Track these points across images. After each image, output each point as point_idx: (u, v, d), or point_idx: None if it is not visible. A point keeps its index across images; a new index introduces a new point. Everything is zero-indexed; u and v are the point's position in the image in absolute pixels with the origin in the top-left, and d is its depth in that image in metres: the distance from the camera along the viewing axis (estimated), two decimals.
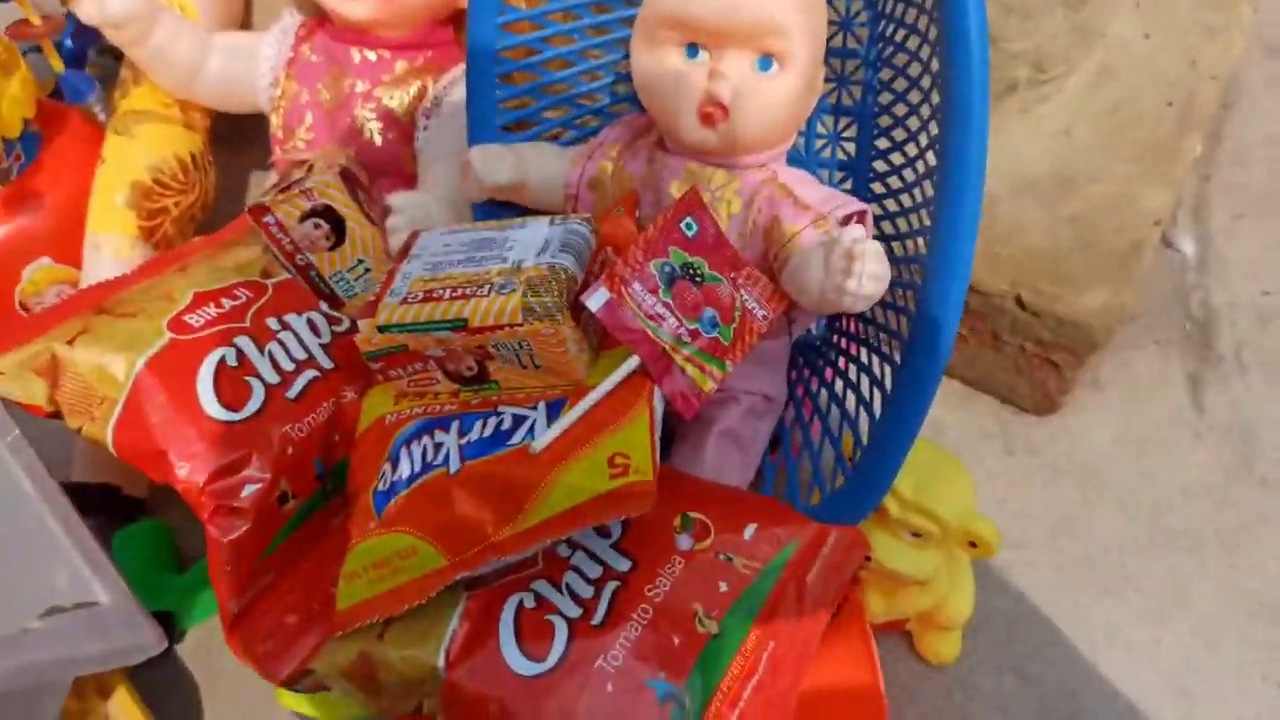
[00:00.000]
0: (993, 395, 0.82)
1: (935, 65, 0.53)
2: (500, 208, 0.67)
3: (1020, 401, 0.80)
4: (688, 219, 0.56)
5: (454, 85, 0.74)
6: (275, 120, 0.76)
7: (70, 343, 0.53)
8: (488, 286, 0.53)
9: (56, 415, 0.54)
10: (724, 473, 0.62)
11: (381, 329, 0.53)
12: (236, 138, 0.93)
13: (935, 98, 0.53)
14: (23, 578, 0.50)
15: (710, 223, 0.56)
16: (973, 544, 0.63)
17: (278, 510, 0.54)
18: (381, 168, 0.74)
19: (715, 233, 0.56)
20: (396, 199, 0.66)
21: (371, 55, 0.74)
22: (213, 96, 0.77)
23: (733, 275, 0.56)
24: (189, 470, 0.52)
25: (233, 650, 0.53)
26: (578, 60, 0.69)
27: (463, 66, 0.75)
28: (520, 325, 0.51)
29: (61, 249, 0.77)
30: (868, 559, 0.62)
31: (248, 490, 0.52)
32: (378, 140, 0.74)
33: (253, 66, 0.75)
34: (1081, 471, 0.79)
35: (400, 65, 0.73)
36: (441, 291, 0.53)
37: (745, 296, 0.57)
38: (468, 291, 0.53)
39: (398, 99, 0.74)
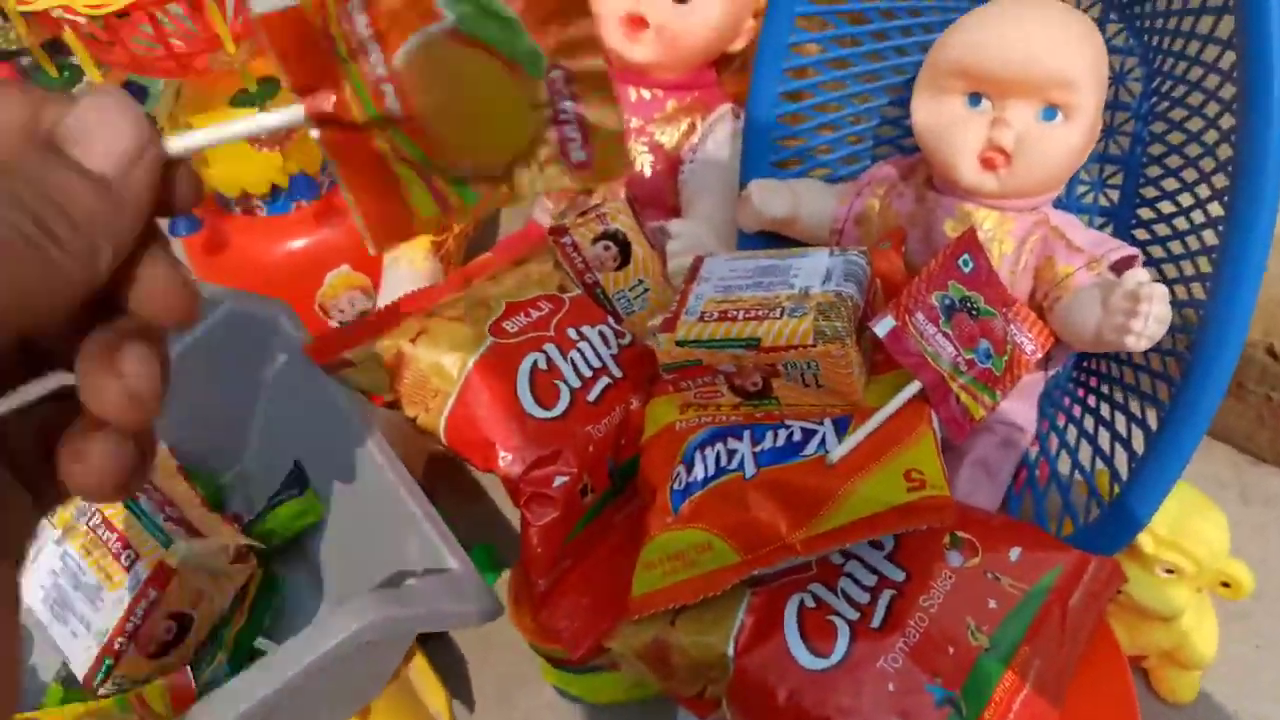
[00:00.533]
0: (1230, 444, 0.82)
1: (1226, 122, 0.55)
2: (765, 239, 0.73)
3: (1259, 451, 0.80)
4: (965, 256, 0.59)
5: (719, 123, 0.80)
6: None
7: (413, 341, 0.60)
8: (779, 309, 0.58)
9: (393, 405, 0.62)
10: (974, 499, 0.65)
11: (680, 343, 0.59)
12: None
13: (1222, 152, 0.56)
14: (380, 546, 0.57)
15: (985, 261, 0.59)
16: (1225, 584, 0.65)
17: (580, 501, 0.60)
18: (648, 199, 0.80)
19: (989, 270, 0.60)
20: (676, 226, 0.72)
21: (646, 94, 0.80)
22: None
23: (1005, 311, 0.60)
24: (511, 460, 0.58)
25: (538, 625, 0.58)
26: (848, 104, 0.74)
27: (727, 106, 0.81)
28: (812, 346, 0.56)
29: (358, 259, 0.86)
30: (1119, 591, 0.64)
31: (558, 481, 0.58)
32: (647, 172, 0.80)
33: None
34: None
35: (671, 104, 0.80)
36: (735, 312, 0.59)
37: (1015, 331, 0.60)
38: (760, 314, 0.58)
39: (668, 135, 0.80)
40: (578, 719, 0.72)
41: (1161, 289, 0.52)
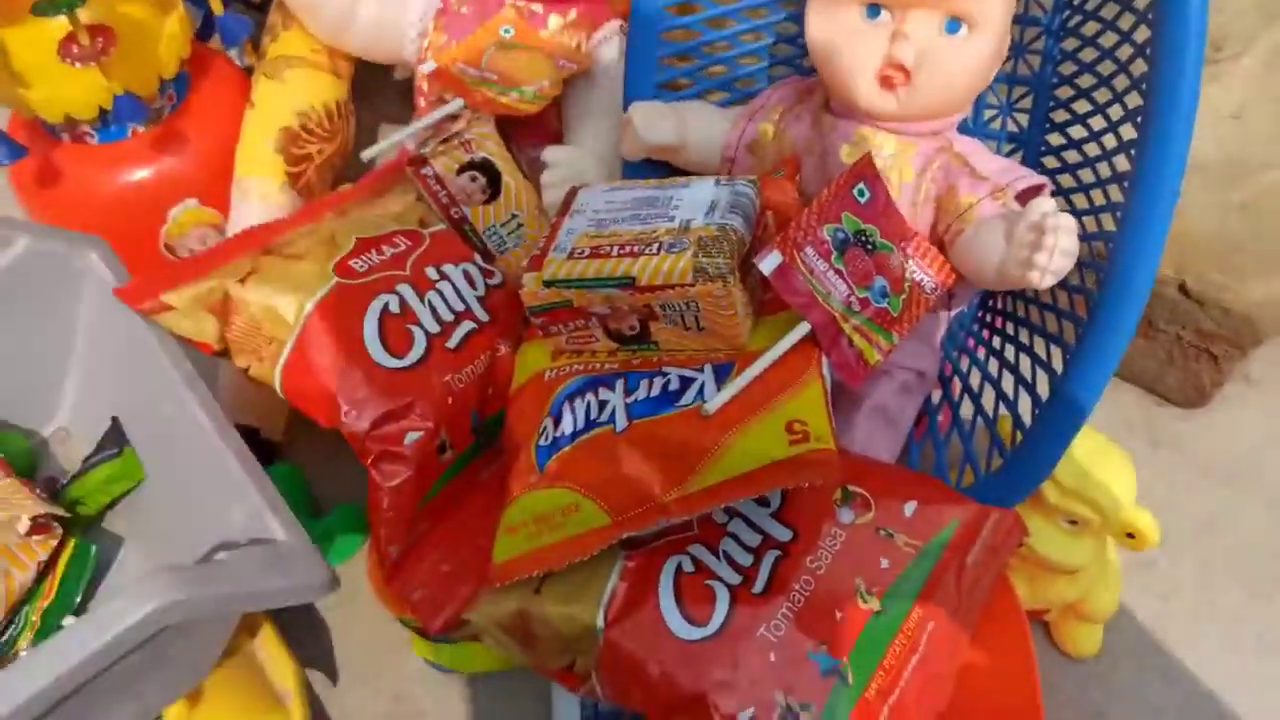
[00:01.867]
0: (1138, 386, 0.79)
1: (1141, 34, 0.51)
2: (652, 167, 0.67)
3: (1168, 393, 0.78)
4: (860, 185, 0.54)
5: (605, 42, 0.73)
6: (420, 71, 0.76)
7: (242, 281, 0.53)
8: (657, 244, 0.52)
9: (223, 354, 0.55)
10: (874, 448, 0.62)
11: (548, 283, 0.53)
12: (366, 91, 0.93)
13: (1137, 67, 0.51)
14: (202, 512, 0.51)
15: (882, 190, 0.55)
16: (1130, 536, 0.62)
17: (437, 459, 0.54)
18: (526, 123, 0.74)
19: (887, 200, 0.55)
20: (552, 153, 0.66)
21: (528, 9, 0.73)
22: (362, 45, 0.77)
23: (903, 245, 0.55)
24: (355, 415, 0.52)
25: (391, 595, 0.53)
26: (740, 19, 0.68)
27: (614, 24, 0.75)
28: (691, 285, 0.51)
29: (207, 191, 0.78)
30: (1020, 544, 0.61)
31: (410, 438, 0.53)
32: None
33: (402, 16, 0.75)
34: (1230, 469, 0.76)
35: (553, 19, 0.73)
36: (609, 248, 0.53)
37: (914, 268, 0.55)
38: (636, 250, 0.52)
39: None
40: (449, 691, 0.67)
41: (1068, 219, 0.48)
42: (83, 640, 0.38)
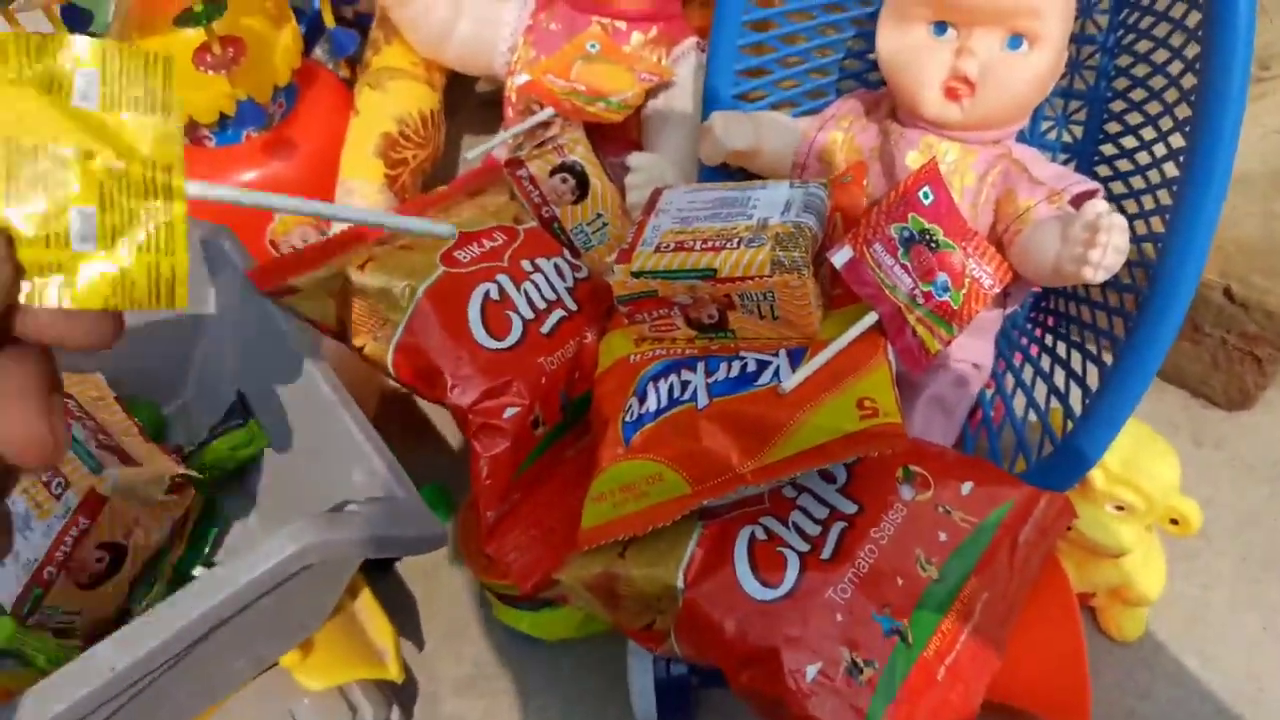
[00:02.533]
0: (1183, 388, 0.82)
1: (1190, 50, 0.54)
2: (727, 173, 0.71)
3: (1212, 395, 0.80)
4: (925, 188, 0.58)
5: (683, 57, 0.78)
6: (510, 83, 0.81)
7: (361, 267, 0.58)
8: (737, 240, 0.56)
9: (339, 335, 0.60)
10: (929, 435, 0.65)
11: (636, 274, 0.57)
12: (450, 101, 0.99)
13: (1187, 82, 0.55)
14: (324, 475, 0.55)
15: (945, 193, 0.58)
16: (1174, 522, 0.65)
17: (531, 434, 0.58)
18: (611, 133, 0.78)
19: (949, 203, 0.58)
20: (635, 158, 0.70)
21: (611, 26, 0.78)
22: (458, 58, 0.83)
23: (964, 244, 0.58)
24: (460, 391, 0.56)
25: (488, 557, 0.57)
26: (812, 36, 0.72)
27: (691, 40, 0.79)
28: (769, 277, 0.54)
29: (310, 193, 0.82)
30: (1069, 527, 0.64)
31: (509, 412, 0.57)
32: None
33: (495, 32, 0.80)
34: (1271, 469, 0.78)
35: (635, 36, 0.77)
36: (692, 243, 0.57)
37: (974, 265, 0.59)
38: (717, 244, 0.56)
39: None
40: (527, 658, 0.71)
41: (1120, 219, 0.51)
42: (235, 576, 0.42)
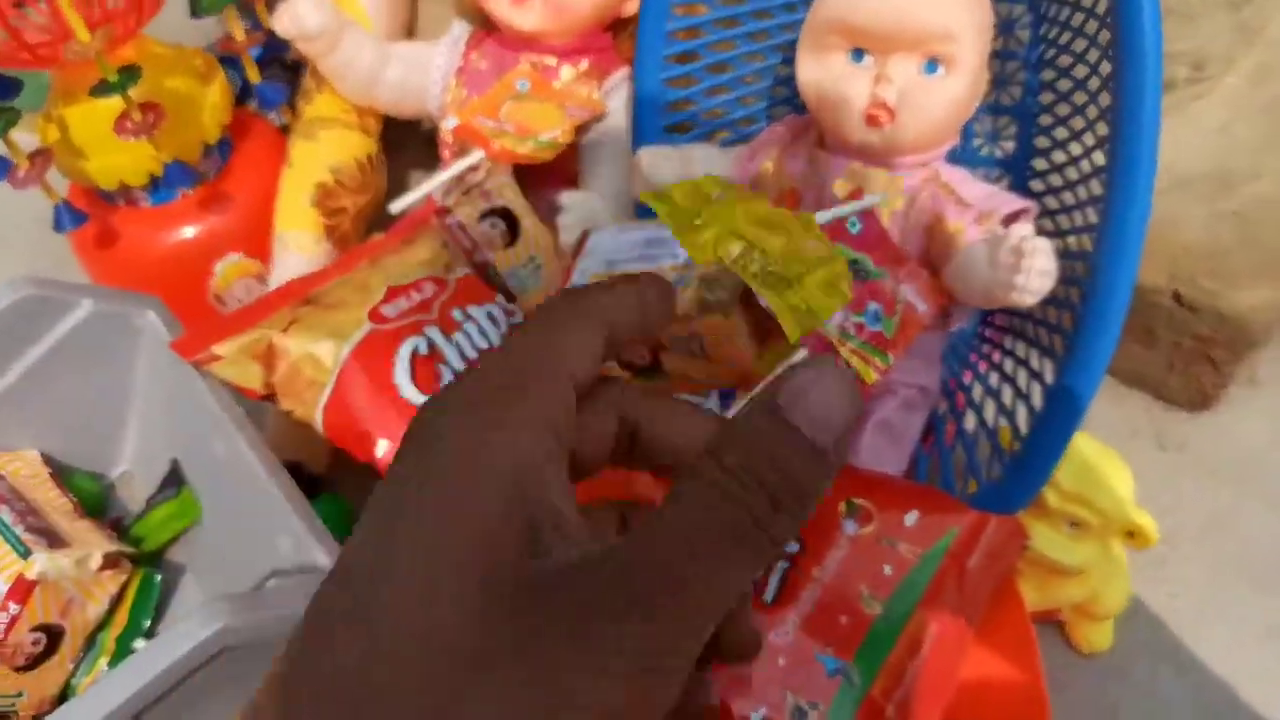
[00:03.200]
0: (1144, 391, 0.81)
1: (1105, 68, 0.54)
2: None
3: (1173, 398, 0.80)
4: (852, 218, 0.58)
5: (615, 90, 0.77)
6: (443, 126, 0.81)
7: (285, 330, 0.58)
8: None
9: (269, 398, 0.59)
10: (879, 462, 0.64)
11: None
12: (395, 142, 0.98)
13: (1104, 100, 0.54)
14: (253, 543, 0.55)
15: (874, 222, 0.58)
16: (1130, 535, 0.64)
17: None
18: (548, 167, 0.78)
19: (879, 231, 0.58)
20: (566, 198, 0.70)
21: (538, 62, 0.78)
22: (389, 103, 0.82)
23: (895, 270, 0.58)
24: (389, 449, 0.56)
25: None
26: (738, 64, 0.71)
27: (624, 71, 0.79)
28: (696, 319, 0.54)
29: (250, 244, 0.83)
30: (1025, 548, 0.63)
31: None
32: None
33: (425, 75, 0.80)
34: (1236, 469, 0.78)
35: (566, 71, 0.77)
36: None
37: (907, 291, 0.58)
38: None
39: None
40: None
41: (1044, 243, 0.51)
42: (151, 661, 0.42)
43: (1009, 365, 0.66)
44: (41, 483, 0.60)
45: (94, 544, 0.57)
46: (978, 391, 0.68)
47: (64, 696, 0.59)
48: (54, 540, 0.55)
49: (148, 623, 0.61)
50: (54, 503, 0.58)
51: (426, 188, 0.69)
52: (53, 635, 0.55)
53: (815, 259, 0.50)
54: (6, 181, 0.71)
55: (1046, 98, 0.63)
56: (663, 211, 0.48)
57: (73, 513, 0.59)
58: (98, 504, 0.65)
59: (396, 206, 0.69)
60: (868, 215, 0.57)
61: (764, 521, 0.22)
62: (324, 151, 0.82)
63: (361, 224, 0.86)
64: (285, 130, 0.88)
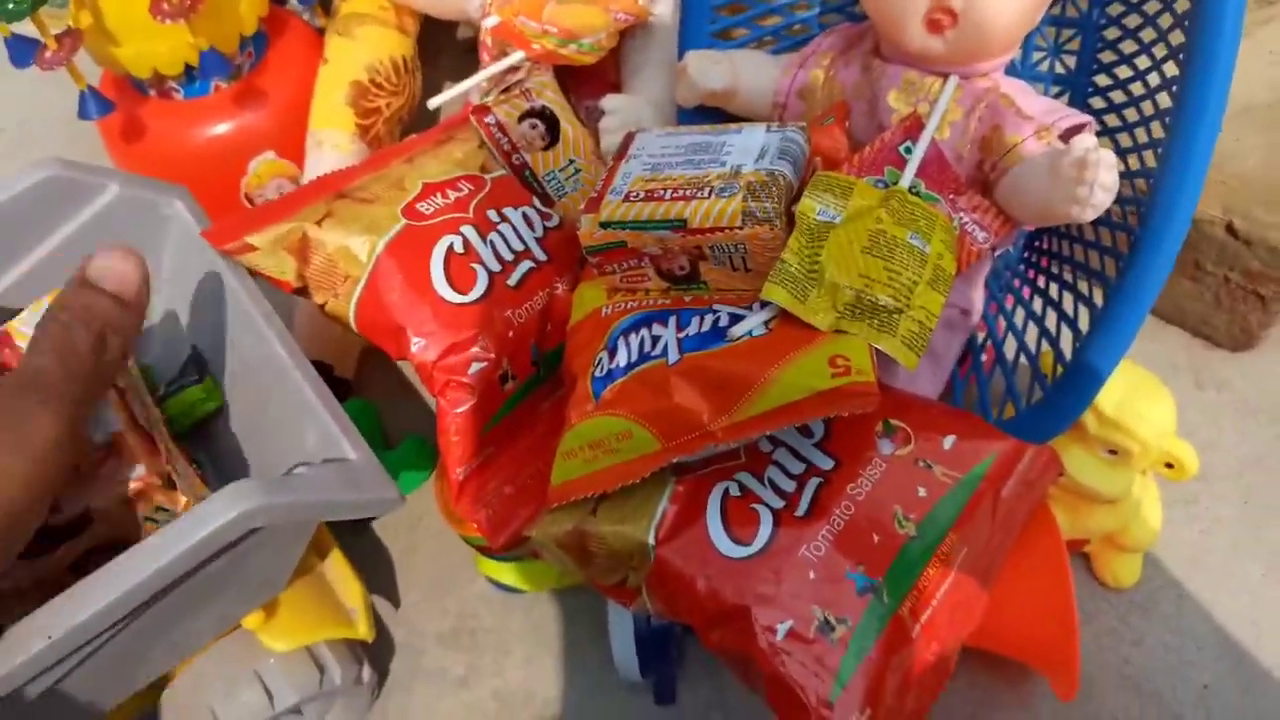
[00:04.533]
0: (1184, 328, 0.78)
1: None
2: (706, 115, 0.67)
3: (1214, 336, 0.77)
4: (907, 143, 0.55)
5: None
6: (484, 26, 0.77)
7: (319, 223, 0.55)
8: (708, 189, 0.53)
9: (301, 291, 0.58)
10: (916, 383, 0.62)
11: (604, 225, 0.54)
12: (431, 48, 0.95)
13: (1181, 4, 0.51)
14: (278, 436, 0.54)
15: (934, 147, 0.55)
16: (1169, 466, 0.62)
17: (499, 389, 0.56)
18: (589, 74, 0.74)
19: (935, 155, 0.55)
20: (610, 101, 0.67)
21: None
22: (429, 2, 0.79)
23: (953, 197, 0.55)
24: (423, 346, 0.54)
25: (459, 513, 0.55)
26: None
27: None
28: (740, 229, 0.51)
29: (283, 144, 0.80)
30: (1060, 477, 0.61)
31: (474, 368, 0.55)
32: None
33: None
34: (1276, 410, 0.75)
35: None
36: (662, 192, 0.54)
37: (965, 218, 0.55)
38: (688, 193, 0.53)
39: None
40: (509, 610, 0.70)
41: (1109, 155, 0.48)
42: (175, 539, 0.41)
43: (1054, 289, 0.64)
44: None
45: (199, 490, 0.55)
46: (1020, 316, 0.65)
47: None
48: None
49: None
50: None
51: (465, 85, 0.67)
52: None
53: (919, 259, 0.49)
54: (34, 63, 0.68)
55: (1115, 8, 0.59)
56: (781, 298, 0.47)
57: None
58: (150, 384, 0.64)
59: (435, 102, 0.66)
60: (921, 140, 0.55)
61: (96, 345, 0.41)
62: (360, 49, 0.79)
63: (395, 127, 0.84)
64: (320, 33, 0.85)
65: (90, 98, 0.72)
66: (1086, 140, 0.49)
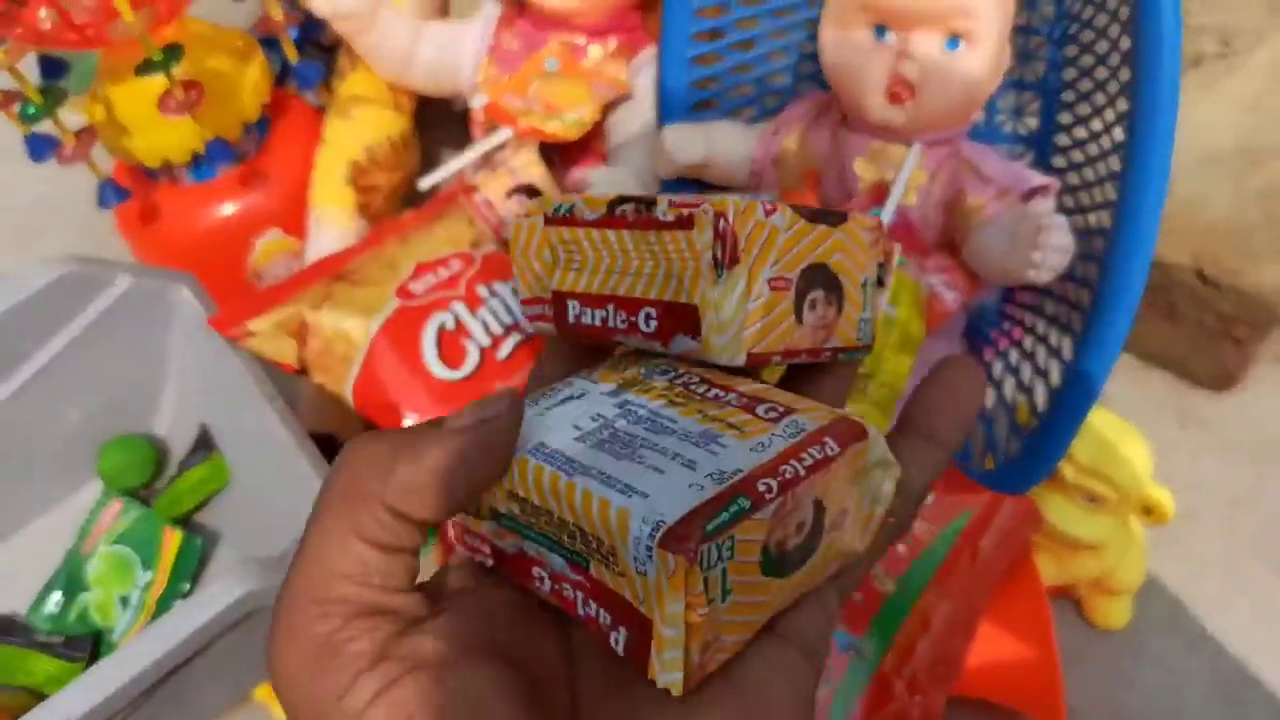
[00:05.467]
0: (1167, 370, 0.80)
1: (1125, 43, 0.52)
2: (687, 185, 0.70)
3: (1196, 376, 0.78)
4: (874, 210, 0.57)
5: (643, 69, 0.76)
6: (474, 104, 0.81)
7: (317, 308, 0.58)
8: None
9: (302, 372, 0.60)
10: None
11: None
12: (428, 121, 0.98)
13: (1124, 74, 0.53)
14: (280, 511, 0.56)
15: (899, 214, 0.57)
16: (1147, 511, 0.63)
17: None
18: (572, 147, 0.77)
19: (905, 223, 0.57)
20: (594, 174, 0.69)
21: (567, 41, 0.77)
22: (422, 82, 0.82)
23: (919, 260, 0.57)
24: (417, 421, 0.56)
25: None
26: (763, 41, 0.70)
27: (651, 50, 0.78)
28: None
29: (288, 221, 0.83)
30: (1038, 529, 0.62)
31: None
32: None
33: (458, 54, 0.80)
34: (1258, 448, 0.76)
35: (594, 50, 0.76)
36: None
37: (933, 280, 0.57)
38: None
39: None
40: None
41: (1060, 219, 0.50)
42: (183, 621, 0.43)
43: (1028, 342, 0.65)
44: None
45: None
46: (998, 368, 0.67)
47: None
48: None
49: (187, 585, 0.62)
50: None
51: (454, 165, 0.69)
52: None
53: (887, 325, 0.51)
54: (54, 158, 0.72)
55: (1070, 73, 0.61)
56: None
57: None
58: (153, 467, 0.67)
59: (426, 183, 0.69)
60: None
61: None
62: (358, 129, 0.82)
63: (394, 200, 0.87)
64: (321, 110, 0.88)
65: (109, 187, 0.75)
66: (1042, 204, 0.51)
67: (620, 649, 0.21)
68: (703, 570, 0.19)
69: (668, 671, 0.20)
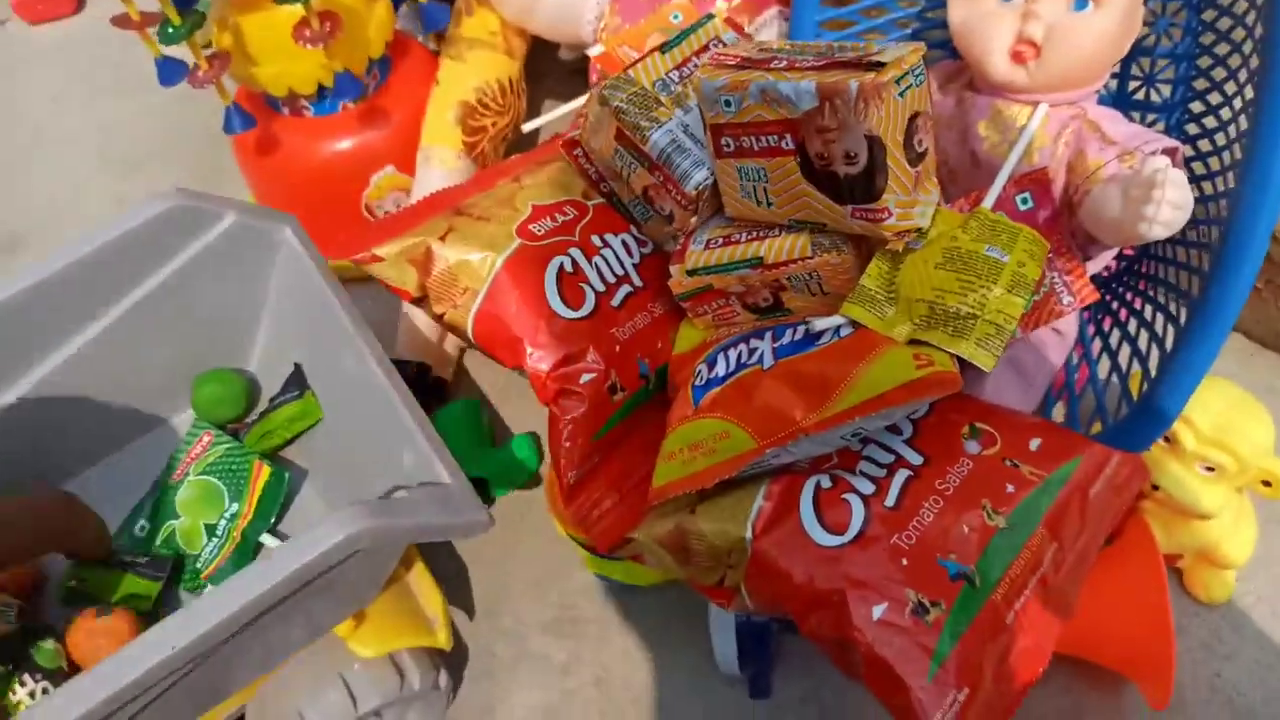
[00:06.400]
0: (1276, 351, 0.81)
1: None
2: None
3: None
4: (1026, 193, 0.59)
5: (765, 26, 0.80)
6: (593, 51, 0.84)
7: (442, 238, 0.63)
8: (778, 227, 0.59)
9: (420, 301, 0.64)
10: (1002, 399, 0.66)
11: (690, 272, 0.61)
12: (538, 71, 1.02)
13: (1260, 29, 0.54)
14: (374, 454, 0.60)
15: (1049, 205, 0.59)
16: (1266, 484, 0.65)
17: (609, 399, 0.63)
18: None
19: (1050, 216, 0.59)
20: None
21: None
22: (545, 25, 0.86)
23: (1051, 256, 0.59)
24: (539, 357, 0.61)
25: (568, 516, 0.62)
26: (893, 7, 0.74)
27: (774, 9, 0.81)
28: (810, 258, 0.57)
29: (402, 159, 0.89)
30: (1155, 487, 0.64)
31: (585, 378, 0.61)
32: None
33: (582, 1, 0.83)
34: None
35: (719, 4, 0.79)
36: (738, 235, 0.61)
37: (1056, 279, 0.59)
38: (760, 234, 0.60)
39: None
40: (612, 602, 0.77)
41: (1178, 174, 0.52)
42: (288, 560, 0.48)
43: (1147, 310, 0.67)
44: None
45: None
46: (1115, 337, 0.69)
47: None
48: None
49: (273, 518, 0.68)
50: None
51: (559, 112, 0.72)
52: None
53: (995, 268, 0.53)
54: (187, 81, 0.77)
55: (1207, 37, 0.63)
56: (859, 314, 0.54)
57: None
58: (246, 400, 0.73)
59: (528, 127, 0.72)
60: (1043, 198, 0.59)
61: None
62: (470, 71, 0.87)
63: (500, 145, 0.91)
64: (436, 54, 0.93)
65: (235, 113, 0.81)
66: (1158, 161, 0.53)
67: None
68: None
69: None
